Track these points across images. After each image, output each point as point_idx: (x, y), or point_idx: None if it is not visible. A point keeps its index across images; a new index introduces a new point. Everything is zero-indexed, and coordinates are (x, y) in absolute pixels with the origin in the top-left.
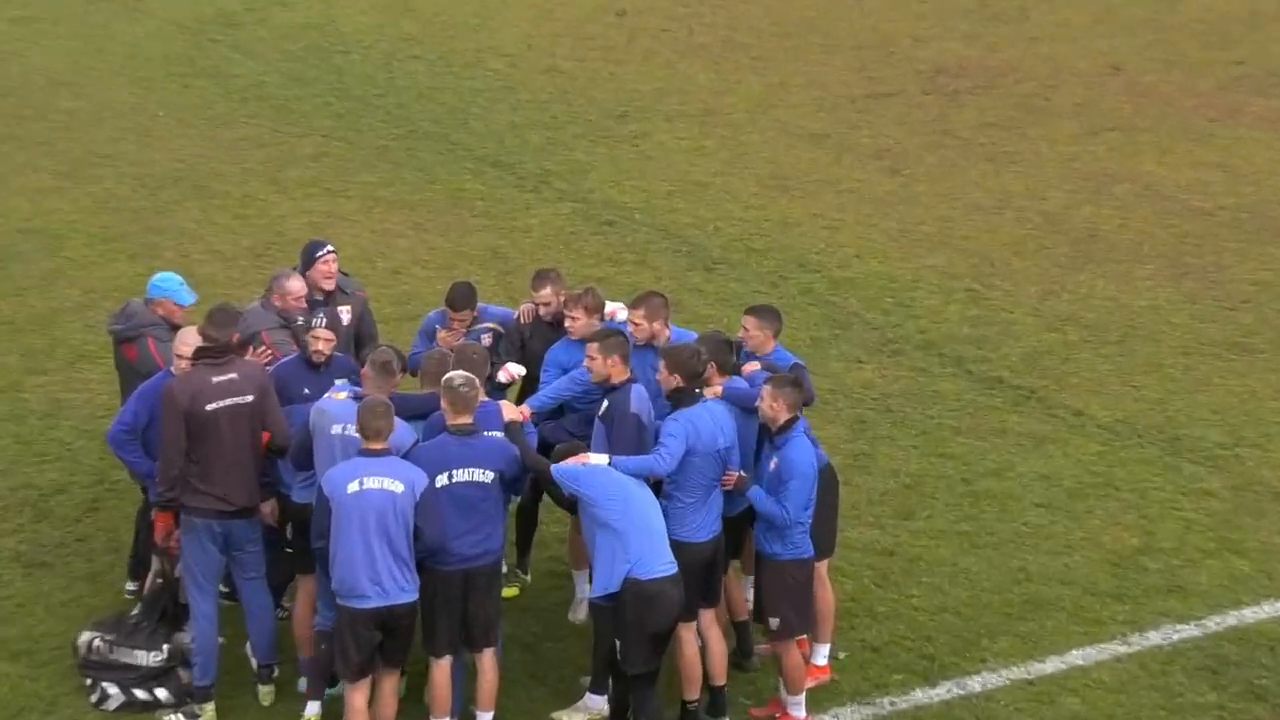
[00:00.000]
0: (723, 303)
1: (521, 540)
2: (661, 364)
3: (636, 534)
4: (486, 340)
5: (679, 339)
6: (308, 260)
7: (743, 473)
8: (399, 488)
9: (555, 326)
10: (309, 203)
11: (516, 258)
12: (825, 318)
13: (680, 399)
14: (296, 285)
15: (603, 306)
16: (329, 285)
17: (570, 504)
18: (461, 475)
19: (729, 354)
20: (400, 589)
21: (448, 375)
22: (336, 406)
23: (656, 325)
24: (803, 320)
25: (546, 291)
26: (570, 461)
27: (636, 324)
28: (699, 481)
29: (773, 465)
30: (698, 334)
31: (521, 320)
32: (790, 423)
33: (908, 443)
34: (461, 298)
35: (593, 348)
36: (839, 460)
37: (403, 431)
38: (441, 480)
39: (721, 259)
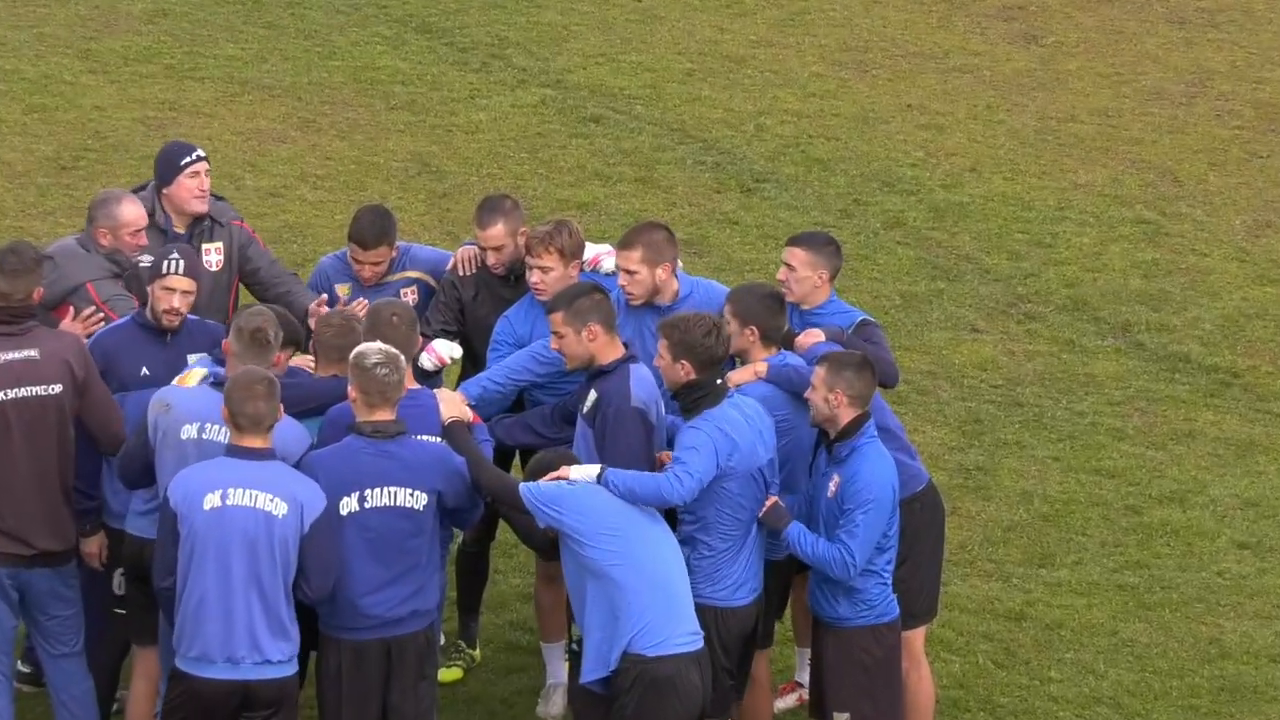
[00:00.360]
0: (767, 240)
1: (466, 599)
2: (661, 344)
3: (644, 588)
4: (410, 297)
5: (696, 297)
6: (167, 170)
7: (775, 498)
8: (280, 508)
9: (511, 282)
10: (139, 88)
11: (456, 173)
12: (921, 263)
13: (692, 398)
14: (132, 211)
15: (582, 249)
16: (200, 207)
17: (548, 544)
18: (379, 498)
19: (779, 315)
20: (266, 659)
21: (358, 350)
22: (187, 398)
23: (660, 274)
24: (888, 267)
25: (498, 229)
26: (549, 479)
27: (630, 273)
28: (736, 517)
29: (831, 487)
30: (730, 288)
31: (460, 271)
32: (857, 424)
33: (1046, 452)
34: (373, 231)
35: (557, 318)
36: (943, 478)
37: (291, 433)
38: (348, 505)
39: (767, 174)
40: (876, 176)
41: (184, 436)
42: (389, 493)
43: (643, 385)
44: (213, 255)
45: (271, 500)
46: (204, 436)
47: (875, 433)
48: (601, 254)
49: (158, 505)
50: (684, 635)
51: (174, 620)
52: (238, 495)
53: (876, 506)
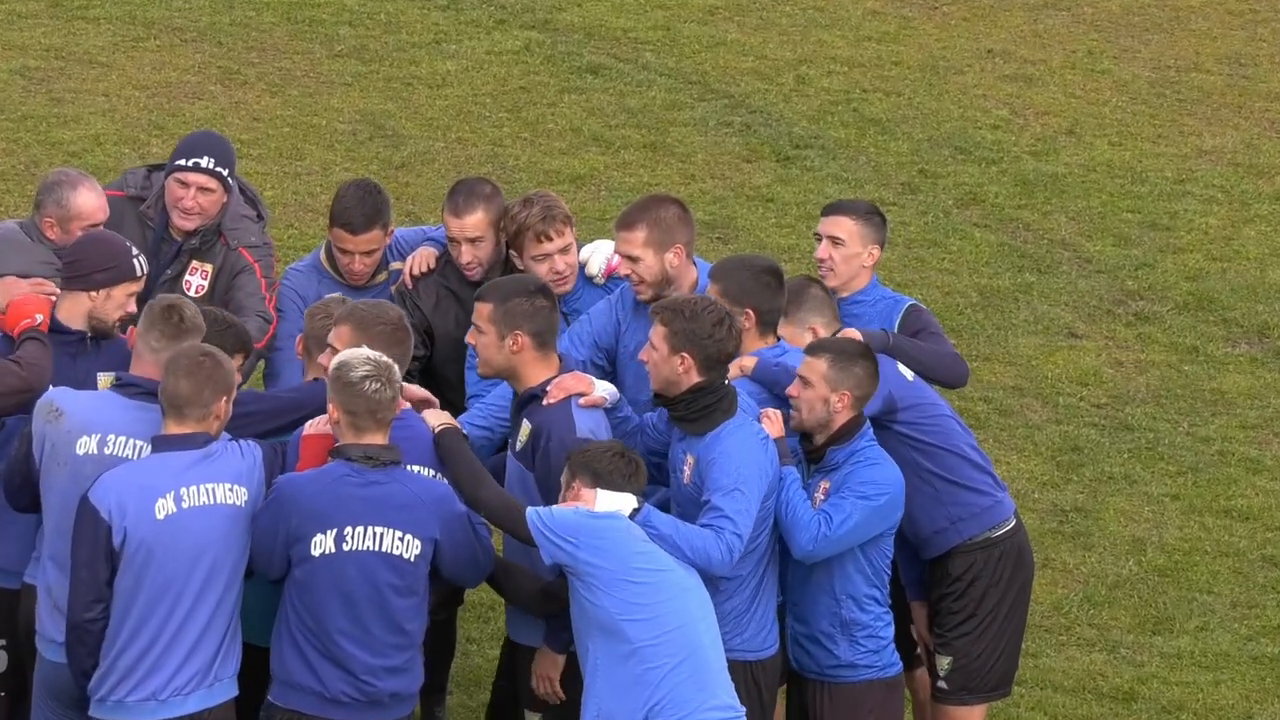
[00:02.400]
0: (809, 221)
1: (430, 676)
2: (655, 332)
3: (668, 650)
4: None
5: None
6: (171, 160)
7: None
8: (241, 496)
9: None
10: (17, 31)
11: (416, 138)
12: (1005, 251)
13: (699, 406)
14: (88, 201)
15: (569, 223)
16: (180, 222)
17: (544, 602)
18: (360, 539)
19: (778, 295)
20: (216, 679)
21: (339, 360)
22: (83, 403)
23: (670, 259)
24: (963, 255)
25: (477, 217)
26: (566, 506)
27: (633, 259)
28: (755, 553)
29: (820, 494)
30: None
31: (412, 271)
32: (855, 425)
33: (1162, 488)
34: (363, 211)
35: (483, 310)
36: (1032, 522)
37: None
38: (320, 544)
39: (809, 139)
40: (948, 141)
41: (80, 451)
42: (374, 534)
43: (589, 414)
44: (197, 277)
45: (230, 490)
46: (106, 451)
47: (872, 436)
48: (593, 252)
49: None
50: (717, 708)
51: (88, 667)
52: (194, 494)
53: (886, 505)
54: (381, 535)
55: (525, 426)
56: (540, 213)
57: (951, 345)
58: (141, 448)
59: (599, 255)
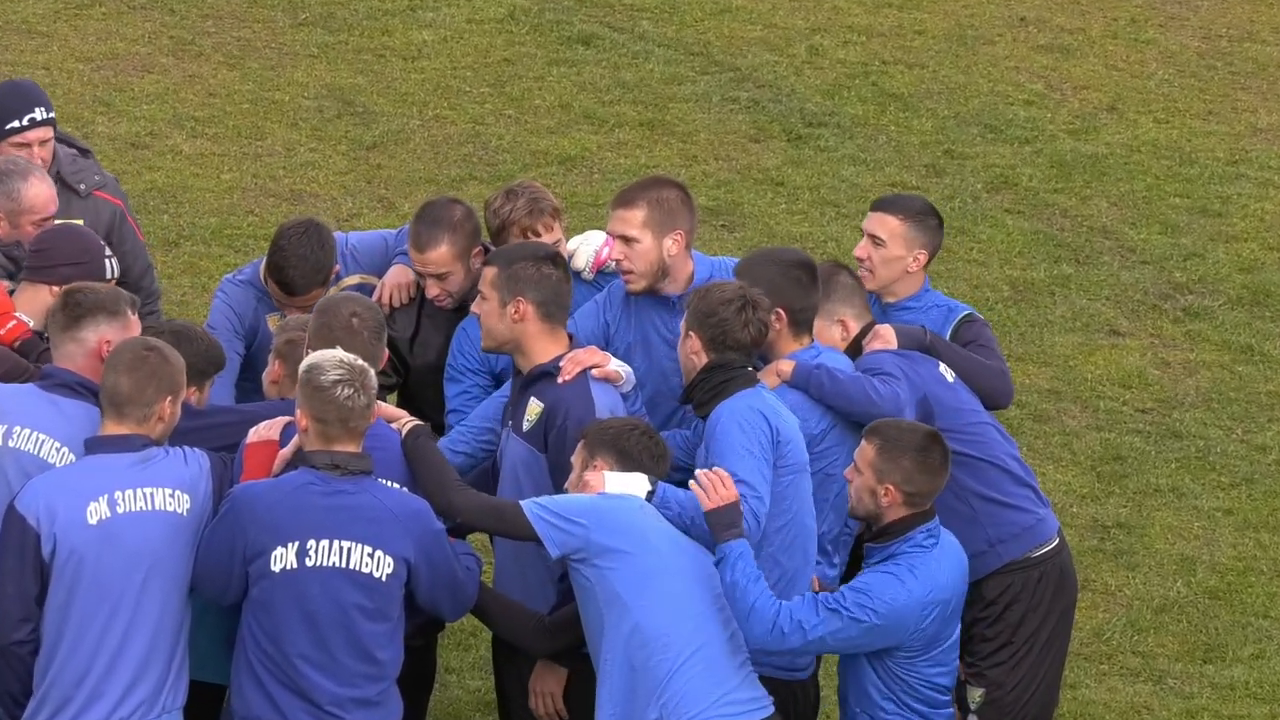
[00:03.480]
0: (824, 207)
1: (406, 710)
2: (684, 322)
3: (688, 640)
4: None
5: (711, 276)
6: None
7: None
8: (183, 503)
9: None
10: None
11: (389, 115)
12: (1040, 239)
13: (711, 384)
14: (40, 193)
15: (557, 216)
16: None
17: (544, 631)
18: (324, 554)
19: (811, 291)
20: (164, 710)
21: (309, 362)
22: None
23: (669, 246)
24: (993, 244)
25: (441, 252)
26: (580, 487)
27: (629, 240)
28: (790, 535)
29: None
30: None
31: (392, 303)
32: (907, 524)
33: (1214, 502)
34: (304, 272)
35: (488, 273)
36: (1071, 539)
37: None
38: (283, 558)
39: (824, 116)
40: (977, 119)
41: None
42: (340, 549)
43: (605, 394)
44: None
45: (172, 496)
46: (10, 444)
47: (935, 538)
48: (581, 243)
49: None
50: (733, 702)
51: (19, 694)
52: (130, 499)
53: (872, 631)
54: (349, 551)
55: (535, 405)
56: (526, 206)
57: (1004, 362)
58: (43, 441)
59: (587, 247)
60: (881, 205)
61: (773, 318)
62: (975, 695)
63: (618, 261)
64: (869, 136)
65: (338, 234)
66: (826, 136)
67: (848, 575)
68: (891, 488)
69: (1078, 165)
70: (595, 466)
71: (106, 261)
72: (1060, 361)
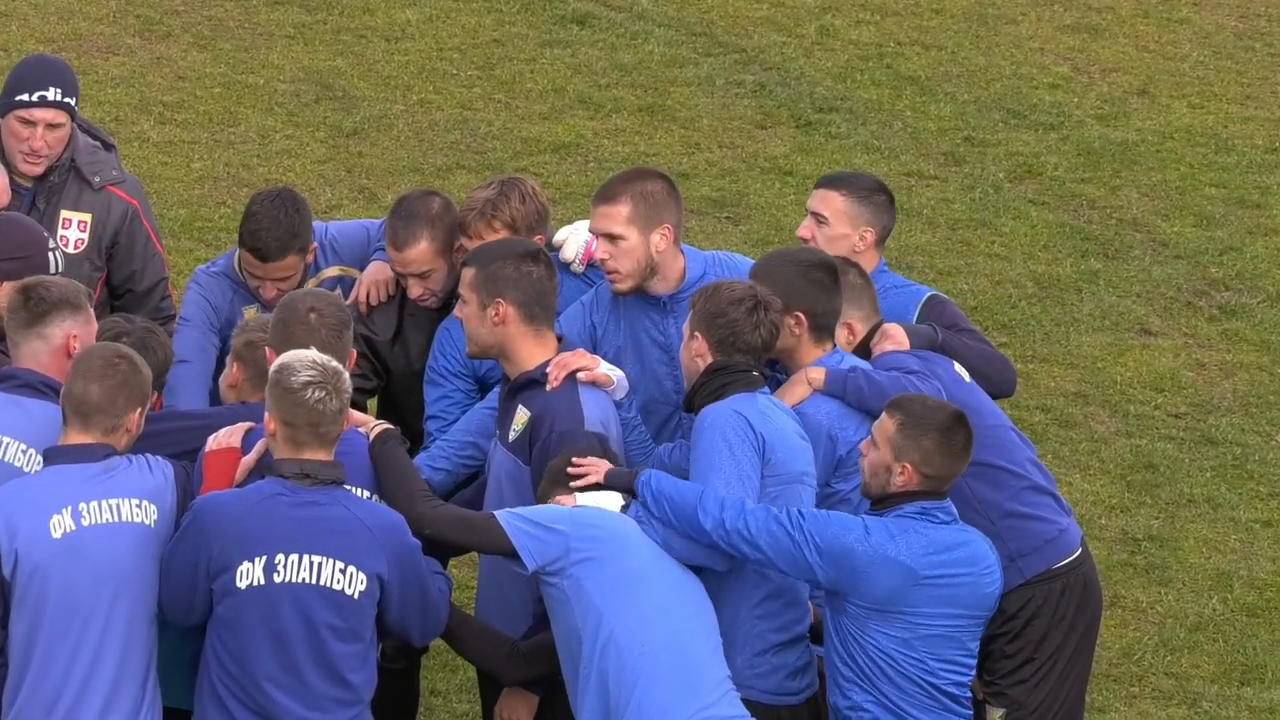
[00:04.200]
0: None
1: None
2: (688, 323)
3: (657, 650)
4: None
5: (713, 280)
6: (5, 94)
7: None
8: (150, 514)
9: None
10: None
11: (371, 100)
12: (1066, 232)
13: (712, 388)
14: None
15: (544, 221)
16: (25, 167)
17: (519, 658)
18: (294, 569)
19: (834, 294)
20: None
21: (280, 363)
22: None
23: (656, 242)
24: (1016, 237)
25: (421, 249)
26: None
27: (613, 238)
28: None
29: None
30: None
31: (365, 303)
32: (900, 498)
33: (1252, 513)
34: (277, 236)
35: (467, 275)
36: (1099, 553)
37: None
38: (250, 574)
39: (835, 101)
40: (999, 103)
41: None
42: (311, 564)
43: (597, 402)
44: (73, 229)
45: (139, 506)
46: None
47: (950, 516)
48: (567, 236)
49: None
50: (705, 715)
51: None
52: (95, 511)
53: (802, 551)
54: (319, 565)
55: (521, 414)
56: (475, 206)
57: (990, 344)
58: (8, 445)
59: (577, 237)
60: (826, 182)
61: (792, 322)
62: (995, 716)
63: (602, 261)
64: (883, 123)
65: (316, 223)
66: (838, 123)
67: None
68: (909, 466)
69: (1106, 153)
70: (558, 501)
71: (50, 255)
72: (1088, 363)
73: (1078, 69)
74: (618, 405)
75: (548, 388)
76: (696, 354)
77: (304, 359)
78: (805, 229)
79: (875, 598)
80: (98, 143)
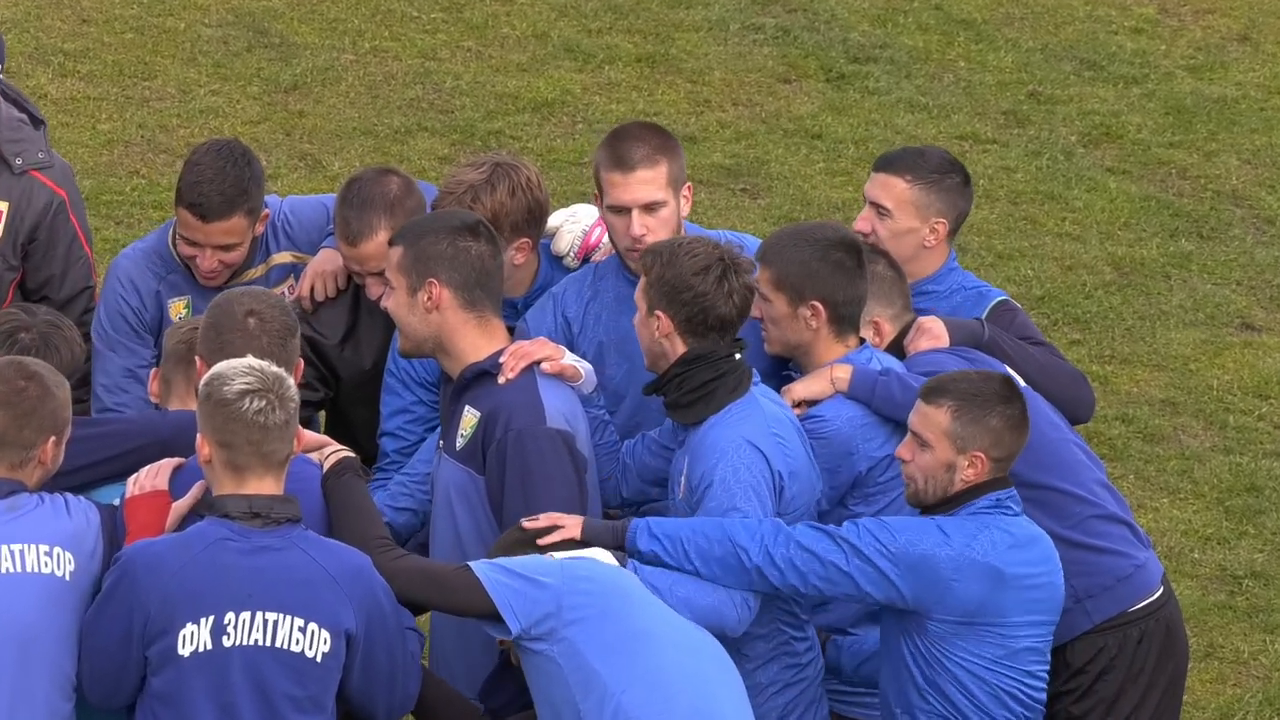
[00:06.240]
0: (871, 163)
1: None
2: (643, 293)
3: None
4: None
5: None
6: None
7: None
8: (65, 565)
9: None
10: None
11: (313, 48)
12: (1151, 207)
13: (695, 384)
14: None
15: (542, 210)
16: None
17: None
18: (246, 631)
19: (858, 279)
20: None
21: (212, 373)
22: None
23: (684, 207)
24: (1090, 213)
25: (378, 241)
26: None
27: (655, 206)
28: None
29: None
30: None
31: (309, 298)
32: (971, 492)
33: None
34: (219, 189)
35: (393, 254)
36: (1189, 592)
37: (69, 516)
38: (195, 638)
39: (873, 50)
40: (1071, 52)
41: None
42: (265, 622)
43: (559, 395)
44: None
45: (49, 554)
46: None
47: (1018, 506)
48: (564, 220)
49: None
50: None
51: None
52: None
53: (878, 575)
54: (275, 624)
55: (469, 416)
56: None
57: (1068, 363)
58: None
59: (574, 226)
60: (885, 165)
61: (808, 313)
62: None
63: (638, 239)
64: (931, 76)
65: (270, 197)
66: (877, 75)
67: None
68: (981, 455)
69: (1200, 111)
70: None
71: None
72: (1178, 364)
73: (1165, 10)
74: (585, 401)
75: (501, 381)
76: (661, 335)
77: (238, 365)
78: (864, 221)
79: (964, 609)
80: (25, 116)
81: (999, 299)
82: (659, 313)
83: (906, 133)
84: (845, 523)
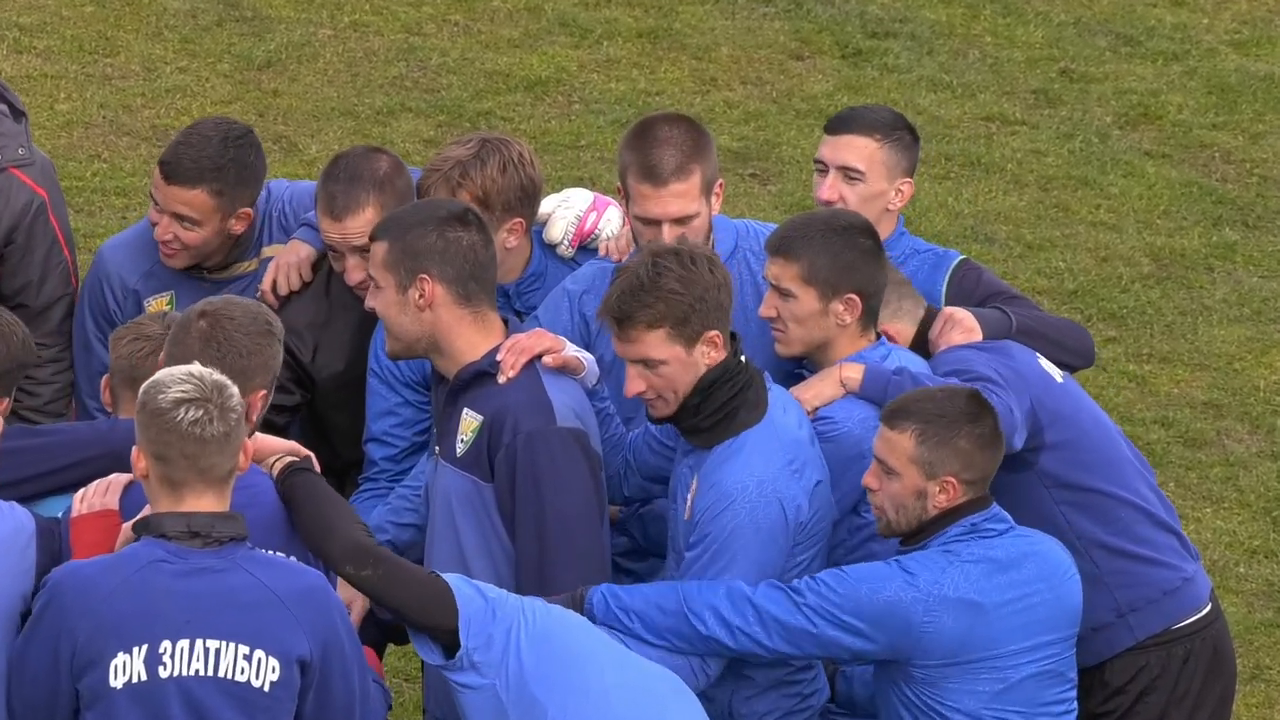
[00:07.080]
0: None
1: None
2: (610, 285)
3: None
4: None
5: (736, 245)
6: None
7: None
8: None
9: None
10: None
11: (289, 22)
12: (1193, 194)
13: (714, 408)
14: None
15: (533, 192)
16: None
17: None
18: (185, 660)
19: (881, 266)
20: None
21: (151, 382)
22: None
23: (715, 204)
24: (1128, 199)
25: (363, 220)
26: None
27: (688, 219)
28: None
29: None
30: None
31: (274, 290)
32: (945, 517)
33: None
34: (201, 152)
35: (377, 250)
36: (1235, 609)
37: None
38: (128, 668)
39: (892, 23)
40: (1105, 27)
41: None
42: (206, 651)
43: (566, 390)
44: None
45: None
46: None
47: (1005, 524)
48: (556, 205)
49: None
50: None
51: None
52: None
53: (844, 628)
54: (217, 652)
55: (469, 420)
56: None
57: (1073, 328)
58: None
59: (567, 212)
60: (846, 125)
61: (842, 308)
62: None
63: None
64: (955, 51)
65: (273, 181)
66: (896, 51)
67: None
68: (951, 480)
69: (1245, 91)
70: None
71: None
72: (1222, 364)
73: None
74: (589, 394)
75: (501, 380)
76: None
77: (177, 373)
78: (830, 189)
79: (945, 650)
80: (4, 107)
81: (959, 259)
82: (663, 327)
83: (929, 113)
84: (803, 578)
